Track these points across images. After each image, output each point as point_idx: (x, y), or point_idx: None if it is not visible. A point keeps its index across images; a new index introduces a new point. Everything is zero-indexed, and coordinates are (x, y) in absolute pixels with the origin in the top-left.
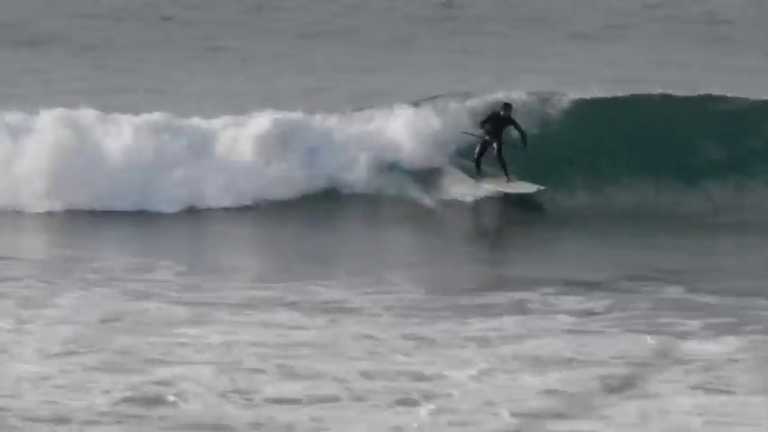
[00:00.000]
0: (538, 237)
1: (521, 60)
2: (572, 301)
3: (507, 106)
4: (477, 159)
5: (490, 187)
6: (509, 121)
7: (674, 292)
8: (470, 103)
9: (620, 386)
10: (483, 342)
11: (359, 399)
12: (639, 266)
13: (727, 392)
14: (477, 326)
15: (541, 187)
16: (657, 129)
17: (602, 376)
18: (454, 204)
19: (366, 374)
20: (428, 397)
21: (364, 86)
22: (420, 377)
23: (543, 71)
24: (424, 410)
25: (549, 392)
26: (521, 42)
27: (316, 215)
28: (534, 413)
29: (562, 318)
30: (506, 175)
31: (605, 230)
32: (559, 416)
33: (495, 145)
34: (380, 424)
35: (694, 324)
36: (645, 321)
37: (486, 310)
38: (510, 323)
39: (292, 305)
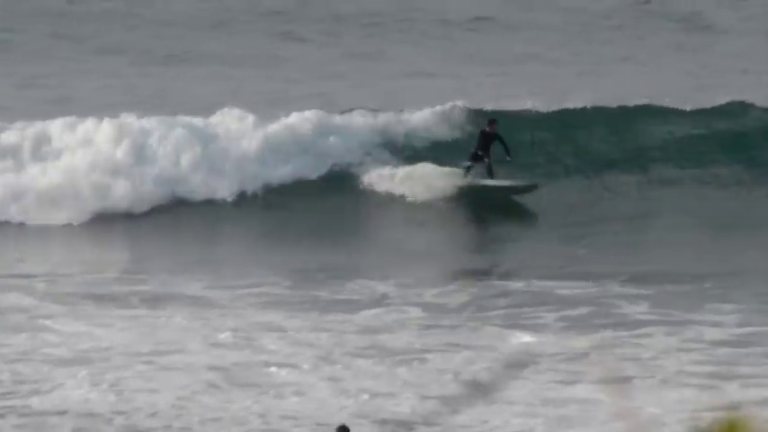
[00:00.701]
0: (394, 234)
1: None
2: (428, 295)
3: (492, 122)
4: (467, 166)
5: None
6: (495, 136)
7: (533, 285)
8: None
9: (472, 381)
10: (336, 334)
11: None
12: (497, 260)
13: (575, 386)
14: (333, 318)
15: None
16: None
17: (450, 370)
18: (333, 205)
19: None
20: (276, 385)
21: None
22: (269, 368)
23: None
24: (267, 399)
25: (403, 384)
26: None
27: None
28: (379, 406)
29: (416, 311)
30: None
31: (464, 226)
32: (411, 414)
33: (486, 160)
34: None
35: (549, 317)
36: (499, 315)
37: (345, 304)
38: (367, 316)
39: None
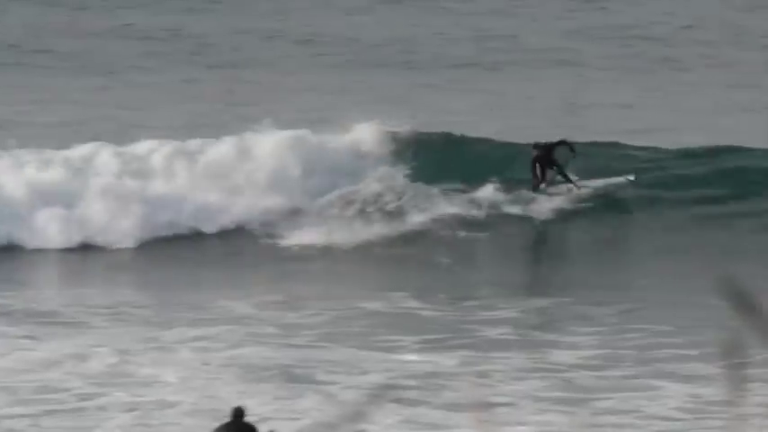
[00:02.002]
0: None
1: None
2: (288, 316)
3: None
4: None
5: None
6: (546, 152)
7: (395, 306)
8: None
9: (322, 395)
10: (196, 349)
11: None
12: (360, 283)
13: (431, 407)
14: (192, 333)
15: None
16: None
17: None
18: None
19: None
20: (133, 401)
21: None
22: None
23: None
24: (126, 416)
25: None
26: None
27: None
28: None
29: (271, 329)
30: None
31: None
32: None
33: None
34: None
35: (408, 339)
36: (359, 335)
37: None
38: (222, 332)
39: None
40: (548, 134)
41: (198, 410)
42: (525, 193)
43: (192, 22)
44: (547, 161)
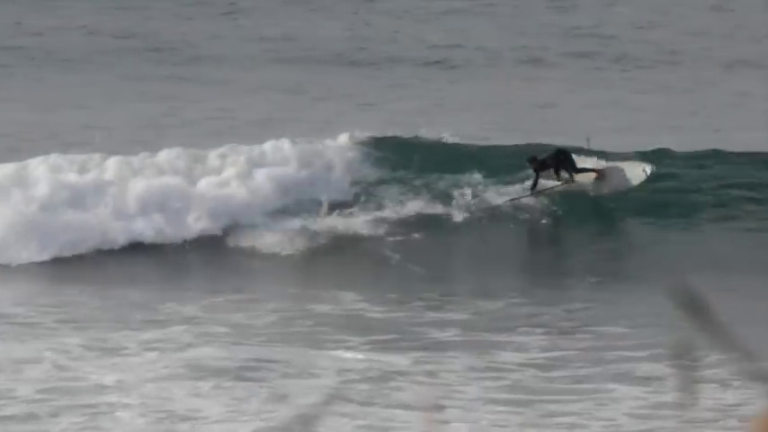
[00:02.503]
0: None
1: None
2: (238, 317)
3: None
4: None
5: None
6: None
7: (346, 308)
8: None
9: (275, 396)
10: (146, 350)
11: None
12: (311, 284)
13: (382, 406)
14: (146, 335)
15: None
16: None
17: (254, 384)
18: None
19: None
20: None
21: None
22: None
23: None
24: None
25: (202, 396)
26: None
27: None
28: (184, 416)
29: (221, 330)
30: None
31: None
32: (212, 420)
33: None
34: None
35: (358, 340)
36: (309, 336)
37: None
38: (176, 332)
39: None
40: (507, 135)
41: (150, 412)
42: (476, 193)
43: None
44: (557, 169)
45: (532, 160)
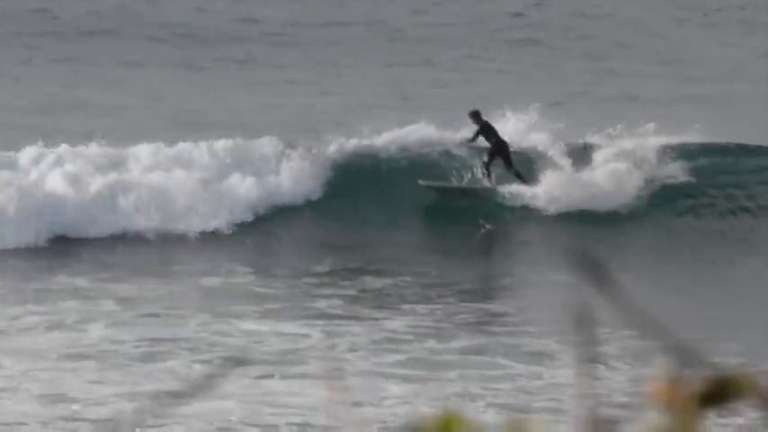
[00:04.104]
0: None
1: None
2: (124, 289)
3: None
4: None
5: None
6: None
7: (230, 282)
8: None
9: (189, 389)
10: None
11: None
12: (202, 261)
13: (280, 377)
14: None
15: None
16: None
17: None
18: None
19: None
20: None
21: None
22: None
23: None
24: None
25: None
26: None
27: None
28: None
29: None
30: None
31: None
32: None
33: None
34: None
35: (246, 309)
36: (202, 310)
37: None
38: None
39: None
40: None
41: (44, 396)
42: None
43: None
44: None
45: (475, 115)
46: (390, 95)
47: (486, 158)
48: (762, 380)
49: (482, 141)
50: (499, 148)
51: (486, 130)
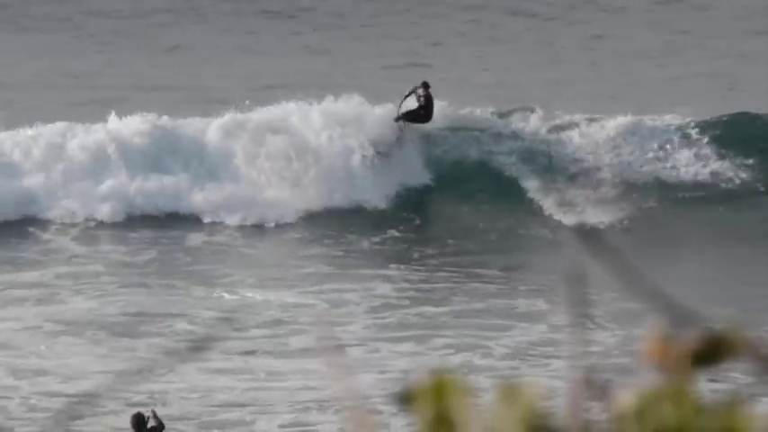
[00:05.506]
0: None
1: None
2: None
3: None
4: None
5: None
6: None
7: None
8: None
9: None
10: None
11: None
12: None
13: (279, 355)
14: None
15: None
16: None
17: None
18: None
19: None
20: None
21: None
22: None
23: None
24: None
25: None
26: None
27: None
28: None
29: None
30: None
31: None
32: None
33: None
34: None
35: (250, 280)
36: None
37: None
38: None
39: None
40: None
41: (18, 370)
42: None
43: None
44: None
45: (426, 86)
46: None
47: (405, 115)
48: (755, 338)
49: (411, 104)
50: (418, 118)
51: (428, 100)
